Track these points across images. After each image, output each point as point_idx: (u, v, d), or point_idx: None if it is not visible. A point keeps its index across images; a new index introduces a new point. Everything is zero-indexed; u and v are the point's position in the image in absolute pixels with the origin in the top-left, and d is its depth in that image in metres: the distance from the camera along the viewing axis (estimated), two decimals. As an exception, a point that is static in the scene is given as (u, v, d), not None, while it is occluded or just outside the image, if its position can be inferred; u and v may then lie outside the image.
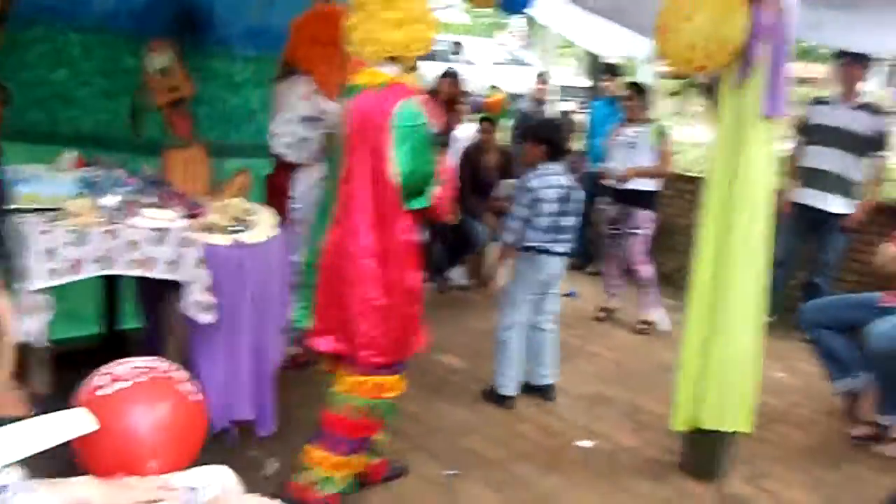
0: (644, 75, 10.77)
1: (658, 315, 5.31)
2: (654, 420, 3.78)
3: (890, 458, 3.58)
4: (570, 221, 3.84)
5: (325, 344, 2.75)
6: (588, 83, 7.87)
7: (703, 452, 3.27)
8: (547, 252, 3.80)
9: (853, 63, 4.94)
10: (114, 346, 3.67)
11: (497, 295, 4.54)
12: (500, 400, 3.89)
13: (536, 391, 3.99)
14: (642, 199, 5.16)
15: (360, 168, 2.60)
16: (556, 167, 3.82)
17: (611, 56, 7.30)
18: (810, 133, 5.10)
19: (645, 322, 5.28)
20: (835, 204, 4.96)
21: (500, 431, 3.60)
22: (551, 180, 3.76)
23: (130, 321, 3.74)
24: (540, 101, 7.24)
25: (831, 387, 3.91)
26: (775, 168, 3.13)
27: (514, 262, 3.90)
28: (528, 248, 3.79)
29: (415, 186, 2.58)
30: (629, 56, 7.72)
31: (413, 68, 2.74)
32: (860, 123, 4.91)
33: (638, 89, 5.30)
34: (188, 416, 2.06)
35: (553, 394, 4.01)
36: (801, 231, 5.17)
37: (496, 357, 3.93)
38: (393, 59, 2.59)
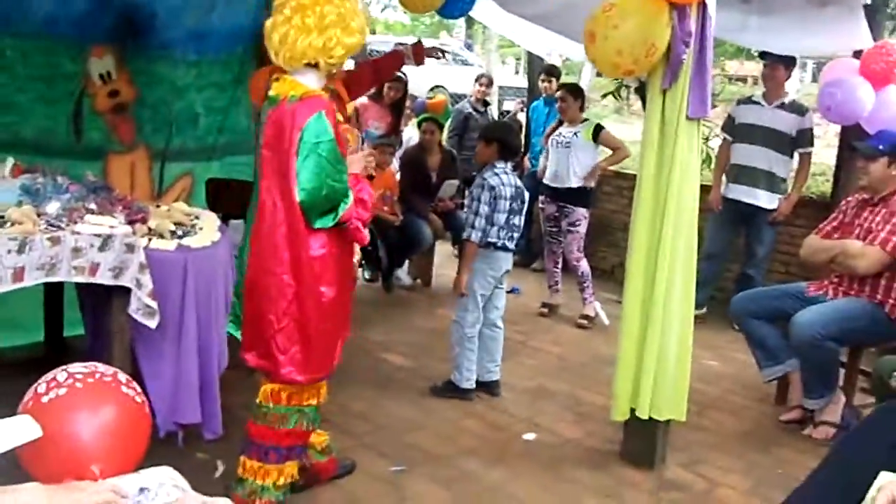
0: (585, 75, 11.00)
1: (595, 309, 5.47)
2: (595, 411, 3.91)
3: (816, 440, 3.77)
4: (518, 219, 3.99)
5: (251, 359, 2.73)
6: (527, 83, 7.99)
7: (642, 441, 3.40)
8: (504, 248, 3.95)
9: (777, 64, 5.16)
10: (58, 353, 3.64)
11: (440, 294, 4.61)
12: (464, 392, 4.00)
13: (483, 386, 4.09)
14: (579, 197, 5.31)
15: (274, 183, 2.56)
16: (507, 166, 3.97)
17: (551, 56, 7.44)
18: (738, 131, 5.31)
19: (585, 317, 5.43)
20: (763, 199, 5.18)
21: (447, 427, 3.68)
22: (506, 179, 3.89)
23: (74, 328, 3.71)
24: (483, 102, 7.31)
25: (761, 374, 4.10)
26: (700, 165, 3.28)
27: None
28: (486, 245, 3.89)
29: (317, 204, 2.50)
30: (568, 57, 7.88)
31: (335, 74, 2.72)
32: (784, 122, 5.14)
33: (572, 91, 5.45)
34: (131, 418, 2.07)
35: (498, 389, 4.11)
36: (731, 225, 5.40)
37: (461, 352, 4.00)
38: (312, 66, 2.52)
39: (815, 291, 3.95)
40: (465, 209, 4.11)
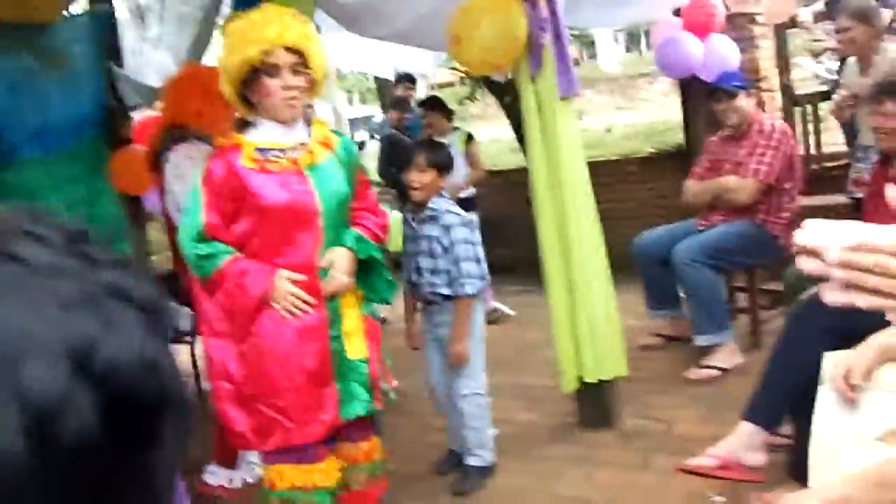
0: (421, 90, 11.15)
1: (495, 304, 5.58)
2: (545, 392, 3.98)
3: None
4: None
5: None
6: (370, 109, 7.96)
7: (596, 404, 3.56)
8: None
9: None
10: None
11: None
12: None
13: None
14: (464, 205, 5.39)
15: None
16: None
17: (406, 70, 7.43)
18: None
19: (494, 311, 5.51)
20: None
21: (411, 448, 3.66)
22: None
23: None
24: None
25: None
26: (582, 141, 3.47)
27: None
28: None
29: (182, 247, 2.45)
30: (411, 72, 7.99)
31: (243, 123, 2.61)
32: None
33: (431, 106, 5.52)
34: None
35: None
36: None
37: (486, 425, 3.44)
38: (258, 114, 2.50)
39: (704, 225, 4.17)
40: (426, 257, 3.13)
